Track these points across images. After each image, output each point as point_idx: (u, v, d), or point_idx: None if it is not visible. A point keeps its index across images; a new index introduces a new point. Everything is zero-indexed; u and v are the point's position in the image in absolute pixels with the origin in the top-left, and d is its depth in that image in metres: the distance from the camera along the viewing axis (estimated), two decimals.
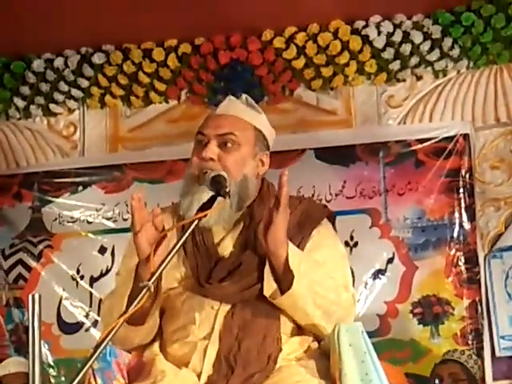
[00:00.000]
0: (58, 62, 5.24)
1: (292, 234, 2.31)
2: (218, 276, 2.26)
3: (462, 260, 4.75)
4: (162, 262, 2.04)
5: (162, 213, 2.35)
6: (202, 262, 2.30)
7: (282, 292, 2.21)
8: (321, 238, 2.37)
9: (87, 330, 5.04)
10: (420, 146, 4.89)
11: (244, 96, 2.46)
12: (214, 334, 2.21)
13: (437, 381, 4.16)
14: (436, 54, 4.94)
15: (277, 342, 2.21)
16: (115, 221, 5.10)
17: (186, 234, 2.09)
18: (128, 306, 1.93)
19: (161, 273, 2.01)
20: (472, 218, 4.79)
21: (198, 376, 2.19)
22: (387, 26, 4.97)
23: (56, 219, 5.20)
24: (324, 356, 2.23)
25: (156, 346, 2.31)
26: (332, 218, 2.49)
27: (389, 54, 4.97)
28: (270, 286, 2.23)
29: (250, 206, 2.37)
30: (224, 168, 2.29)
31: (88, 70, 5.22)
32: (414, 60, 4.96)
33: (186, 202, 2.30)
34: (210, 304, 2.25)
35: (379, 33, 4.97)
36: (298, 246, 2.30)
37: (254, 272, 2.25)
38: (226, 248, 2.34)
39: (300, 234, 2.34)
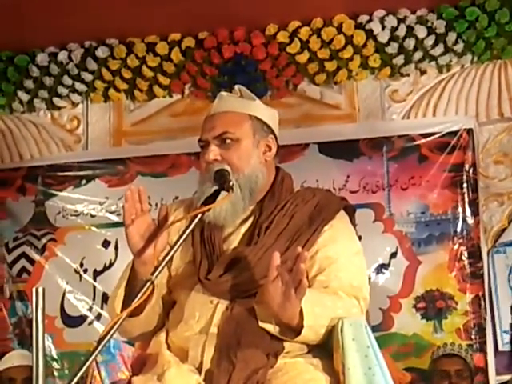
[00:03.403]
0: (62, 56, 5.24)
1: (302, 228, 2.31)
2: (217, 272, 2.26)
3: (466, 255, 4.74)
4: (166, 255, 2.07)
5: (180, 205, 2.41)
6: (205, 259, 2.31)
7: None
8: (333, 232, 2.33)
9: (90, 323, 5.04)
10: (423, 140, 4.88)
11: (237, 87, 2.46)
12: (211, 328, 2.21)
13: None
14: (440, 48, 4.94)
15: (277, 338, 2.18)
16: (119, 214, 5.09)
17: (189, 229, 2.12)
18: (127, 299, 1.95)
19: (163, 267, 2.05)
20: (475, 212, 4.78)
21: (198, 369, 2.20)
22: (391, 21, 4.97)
23: (59, 213, 5.20)
24: (327, 352, 2.21)
25: (163, 335, 2.33)
26: (351, 210, 2.47)
27: (393, 48, 4.96)
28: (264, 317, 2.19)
29: (261, 200, 2.37)
30: (230, 165, 2.30)
31: (92, 64, 5.21)
32: (418, 55, 4.96)
33: (198, 201, 2.30)
34: (209, 299, 2.26)
35: (383, 27, 4.97)
36: (308, 241, 2.29)
37: (252, 268, 2.23)
38: (232, 244, 2.34)
39: (310, 229, 2.32)
